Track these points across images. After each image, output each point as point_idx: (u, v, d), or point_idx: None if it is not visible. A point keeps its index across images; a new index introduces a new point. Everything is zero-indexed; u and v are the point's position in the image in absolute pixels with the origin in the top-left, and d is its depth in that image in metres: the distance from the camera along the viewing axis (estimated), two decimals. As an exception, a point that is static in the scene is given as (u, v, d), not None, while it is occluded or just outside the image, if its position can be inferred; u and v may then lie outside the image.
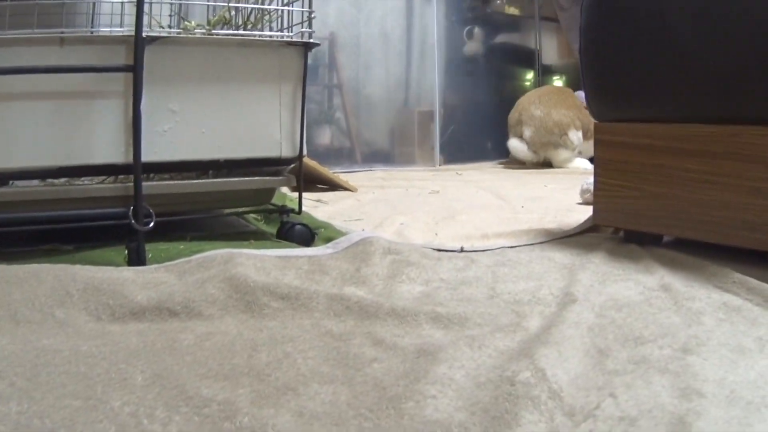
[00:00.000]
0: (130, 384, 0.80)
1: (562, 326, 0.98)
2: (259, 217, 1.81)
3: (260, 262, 1.22)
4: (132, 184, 1.33)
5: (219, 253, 1.25)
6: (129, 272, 1.17)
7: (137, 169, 1.32)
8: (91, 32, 1.40)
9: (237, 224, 1.75)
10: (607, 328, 1.00)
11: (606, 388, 0.81)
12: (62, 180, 1.47)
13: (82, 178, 1.48)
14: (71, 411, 0.73)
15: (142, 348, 0.91)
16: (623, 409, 0.76)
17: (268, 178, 1.54)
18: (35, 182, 1.45)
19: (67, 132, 1.32)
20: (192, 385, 0.79)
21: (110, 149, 1.34)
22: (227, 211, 1.64)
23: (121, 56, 1.32)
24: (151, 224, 1.33)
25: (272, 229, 1.67)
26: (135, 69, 1.30)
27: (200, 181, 1.49)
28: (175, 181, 1.46)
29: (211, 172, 1.59)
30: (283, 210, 1.61)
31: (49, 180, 1.49)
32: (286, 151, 1.51)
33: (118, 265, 1.27)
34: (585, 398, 0.78)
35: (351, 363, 0.88)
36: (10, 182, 1.39)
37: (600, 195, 1.51)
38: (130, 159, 1.33)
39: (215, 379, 0.82)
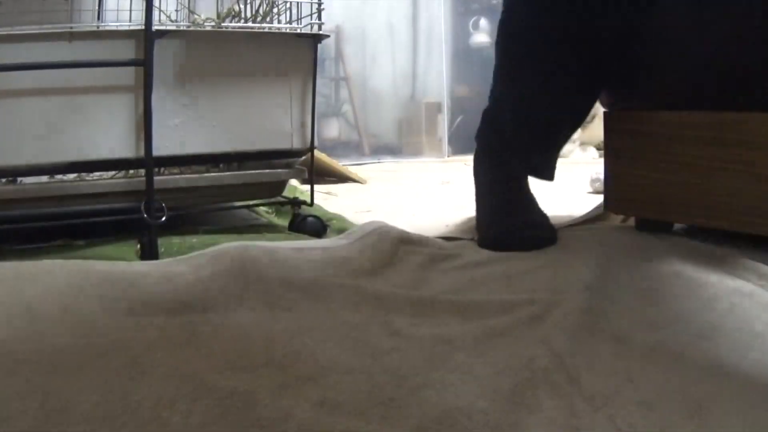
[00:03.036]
0: (148, 377, 0.80)
1: (578, 313, 0.98)
2: (270, 210, 1.81)
3: (274, 254, 1.22)
4: (143, 178, 1.33)
5: (233, 245, 1.25)
6: (143, 266, 1.17)
7: (149, 163, 1.32)
8: (98, 27, 1.40)
9: (248, 217, 1.75)
10: (622, 315, 1.00)
11: (623, 373, 0.81)
12: (72, 176, 1.48)
13: (93, 174, 1.48)
14: (90, 406, 0.73)
15: (159, 341, 0.91)
16: (641, 393, 0.76)
17: (279, 170, 1.54)
18: (44, 178, 1.45)
19: (77, 127, 1.32)
20: (211, 377, 0.80)
21: (121, 144, 1.35)
22: (239, 204, 1.64)
23: (131, 50, 1.32)
24: (164, 218, 1.33)
25: (284, 222, 1.67)
26: (145, 63, 1.30)
27: (212, 174, 1.49)
28: (187, 175, 1.46)
29: (222, 165, 1.59)
30: (295, 202, 1.61)
31: (59, 176, 1.50)
32: (297, 143, 1.51)
33: (130, 259, 1.27)
34: (603, 383, 0.79)
35: (369, 352, 0.88)
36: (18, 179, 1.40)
37: (610, 183, 1.51)
38: (141, 153, 1.33)
39: (234, 371, 0.82)
